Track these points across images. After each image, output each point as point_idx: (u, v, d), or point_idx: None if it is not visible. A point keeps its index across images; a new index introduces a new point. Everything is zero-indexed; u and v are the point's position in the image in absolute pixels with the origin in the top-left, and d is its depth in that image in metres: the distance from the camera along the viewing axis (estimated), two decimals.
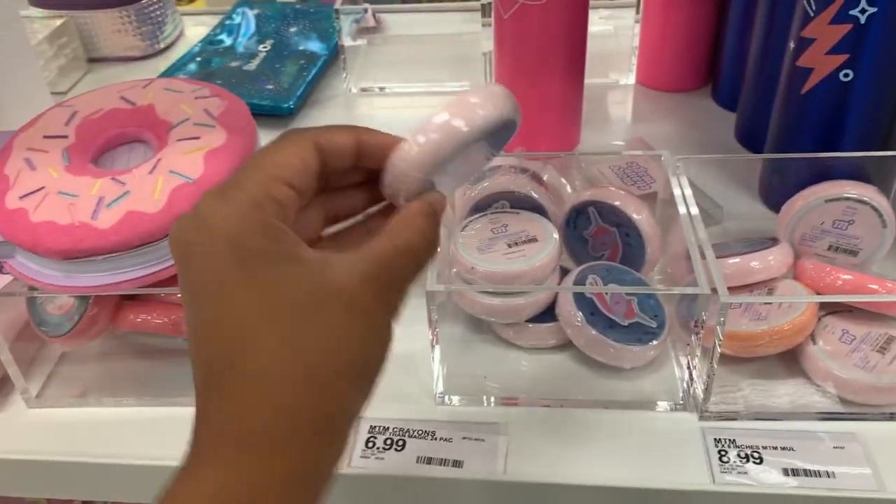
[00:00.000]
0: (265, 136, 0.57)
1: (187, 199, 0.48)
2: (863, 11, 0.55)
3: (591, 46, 0.73)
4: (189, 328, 0.30)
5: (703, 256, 0.50)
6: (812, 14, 0.57)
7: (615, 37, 0.91)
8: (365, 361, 0.31)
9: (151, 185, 0.48)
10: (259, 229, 0.30)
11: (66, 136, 0.53)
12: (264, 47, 0.95)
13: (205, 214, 0.30)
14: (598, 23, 0.90)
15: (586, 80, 0.75)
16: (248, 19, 1.02)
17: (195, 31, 1.09)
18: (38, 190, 0.49)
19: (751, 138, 0.74)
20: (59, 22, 0.95)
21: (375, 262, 0.32)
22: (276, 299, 0.29)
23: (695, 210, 0.53)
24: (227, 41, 0.98)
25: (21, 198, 0.49)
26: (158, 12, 1.01)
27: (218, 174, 0.49)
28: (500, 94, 0.36)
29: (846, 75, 0.58)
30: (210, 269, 0.30)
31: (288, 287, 0.30)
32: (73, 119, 0.54)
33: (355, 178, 0.37)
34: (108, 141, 0.54)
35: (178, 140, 0.51)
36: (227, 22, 1.02)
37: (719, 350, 0.49)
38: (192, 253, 0.30)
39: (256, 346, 0.29)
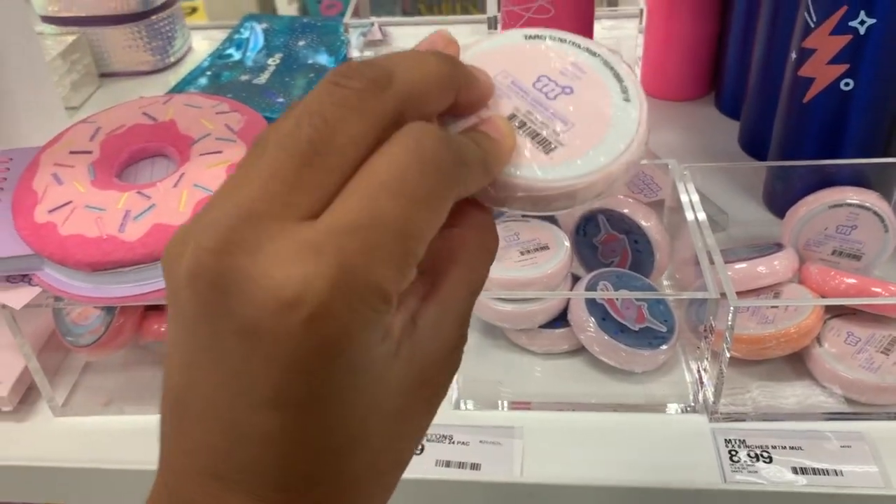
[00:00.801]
0: None
1: None
2: (862, 23, 0.56)
3: None
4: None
5: (711, 262, 0.51)
6: (813, 25, 0.59)
7: (618, 48, 0.92)
8: None
9: (176, 198, 0.50)
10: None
11: (90, 152, 0.54)
12: (273, 61, 0.97)
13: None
14: (602, 34, 0.92)
15: None
16: (256, 33, 1.04)
17: (201, 45, 1.10)
18: (66, 204, 0.50)
19: (754, 146, 0.76)
20: (71, 38, 0.96)
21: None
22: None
23: (703, 216, 0.55)
24: (237, 55, 1.00)
25: (49, 212, 0.50)
26: (168, 27, 1.03)
27: None
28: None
29: (846, 84, 0.59)
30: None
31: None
32: (97, 135, 0.55)
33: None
34: (132, 156, 0.55)
35: (201, 154, 0.53)
36: (236, 36, 1.04)
37: (728, 353, 0.50)
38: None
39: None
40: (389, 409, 0.24)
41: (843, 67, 0.59)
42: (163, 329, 0.54)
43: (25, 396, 0.57)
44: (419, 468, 0.50)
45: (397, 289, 0.23)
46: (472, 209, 0.27)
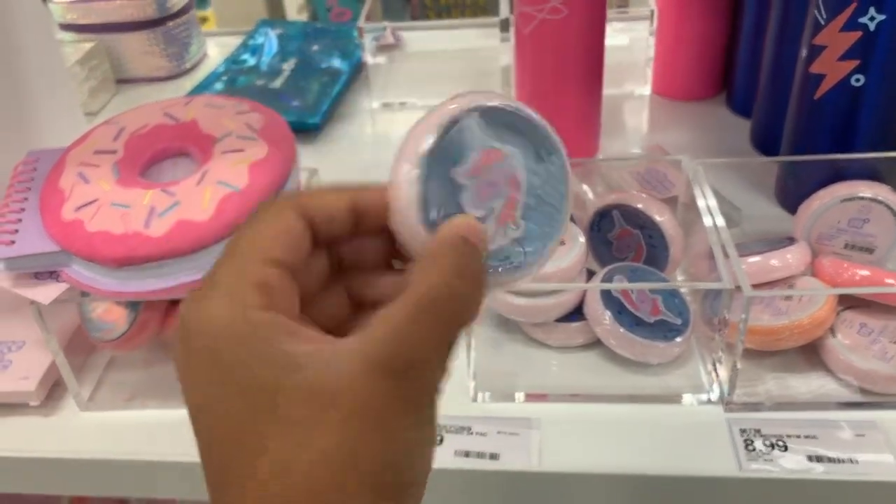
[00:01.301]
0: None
1: (235, 208, 0.50)
2: (872, 19, 0.57)
3: (607, 59, 0.75)
4: (193, 428, 0.27)
5: (725, 255, 0.52)
6: (823, 22, 0.59)
7: (630, 49, 0.93)
8: (393, 471, 0.25)
9: (200, 196, 0.51)
10: (237, 335, 0.26)
11: (115, 151, 0.56)
12: (288, 65, 0.98)
13: (184, 320, 0.27)
14: (614, 35, 0.93)
15: (604, 92, 0.77)
16: (270, 39, 1.05)
17: (215, 51, 1.12)
18: (93, 202, 0.52)
19: (766, 144, 0.77)
20: (89, 45, 0.98)
21: (382, 345, 0.25)
22: (267, 416, 0.25)
23: (716, 207, 0.56)
24: (251, 60, 1.01)
25: (76, 209, 0.51)
26: (185, 34, 1.04)
27: (262, 183, 0.52)
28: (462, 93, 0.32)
29: (857, 80, 0.60)
30: (195, 386, 0.26)
31: (282, 401, 0.25)
32: (121, 135, 0.57)
33: (378, 249, 0.32)
34: (155, 155, 0.56)
35: (223, 153, 0.54)
36: (250, 42, 1.05)
37: (743, 345, 0.51)
38: (178, 363, 0.27)
39: (256, 466, 0.25)
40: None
41: (854, 63, 0.59)
42: None
43: (52, 391, 0.58)
44: (439, 458, 0.50)
45: None
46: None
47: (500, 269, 0.31)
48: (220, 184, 0.52)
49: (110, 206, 0.51)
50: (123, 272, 0.51)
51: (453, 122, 0.30)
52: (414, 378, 0.25)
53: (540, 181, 0.31)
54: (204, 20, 1.47)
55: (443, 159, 0.29)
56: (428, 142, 0.29)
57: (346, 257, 0.32)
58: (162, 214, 0.50)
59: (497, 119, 0.30)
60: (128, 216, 0.51)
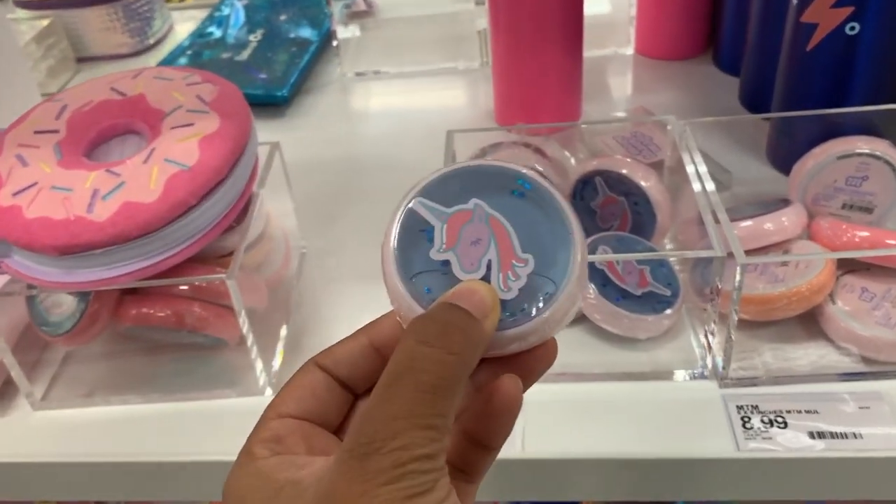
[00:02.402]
0: (261, 125, 0.56)
1: (184, 187, 0.47)
2: None
3: (588, 18, 0.71)
4: None
5: (716, 220, 0.48)
6: None
7: (612, 7, 0.89)
8: None
9: (147, 175, 0.47)
10: (252, 486, 0.28)
11: (57, 131, 0.52)
12: (255, 37, 0.94)
13: (224, 489, 0.29)
14: None
15: (584, 53, 0.73)
16: (237, 10, 1.01)
17: (184, 26, 1.08)
18: (31, 186, 0.48)
19: (756, 102, 0.73)
20: (45, 22, 0.93)
21: (351, 433, 0.26)
22: None
23: (705, 171, 0.52)
24: (217, 33, 0.96)
25: (14, 195, 0.48)
26: (146, 8, 1.00)
27: (213, 160, 0.48)
28: None
29: (852, 28, 0.56)
30: None
31: None
32: (64, 113, 0.53)
33: None
34: (100, 133, 0.52)
35: (172, 128, 0.50)
36: (216, 14, 1.00)
37: (737, 315, 0.48)
38: None
39: None
40: None
41: (849, 10, 0.56)
42: (140, 313, 0.51)
43: (3, 391, 0.55)
44: None
45: None
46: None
47: (526, 316, 0.29)
48: (168, 161, 0.48)
49: (50, 189, 0.47)
50: (68, 261, 0.47)
51: (406, 213, 0.30)
52: (380, 454, 0.25)
53: (525, 211, 0.30)
54: None
55: (416, 250, 0.30)
56: (393, 240, 0.30)
57: None
58: (105, 197, 0.47)
59: (445, 187, 0.31)
60: (69, 200, 0.47)
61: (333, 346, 0.32)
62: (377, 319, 0.32)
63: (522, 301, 0.29)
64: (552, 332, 0.30)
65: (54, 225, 0.46)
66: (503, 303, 0.29)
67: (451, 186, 0.31)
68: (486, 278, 0.29)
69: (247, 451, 0.29)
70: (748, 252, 0.51)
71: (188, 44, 0.95)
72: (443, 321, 0.27)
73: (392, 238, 0.30)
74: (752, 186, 0.64)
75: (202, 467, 0.50)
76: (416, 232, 0.30)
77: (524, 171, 0.31)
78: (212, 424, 0.52)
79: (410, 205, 0.30)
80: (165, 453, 0.50)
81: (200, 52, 0.92)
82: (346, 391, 0.32)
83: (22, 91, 0.81)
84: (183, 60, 0.91)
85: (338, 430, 0.31)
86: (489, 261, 0.29)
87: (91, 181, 0.47)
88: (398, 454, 0.24)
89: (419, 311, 0.29)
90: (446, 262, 0.29)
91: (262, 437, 0.30)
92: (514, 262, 0.29)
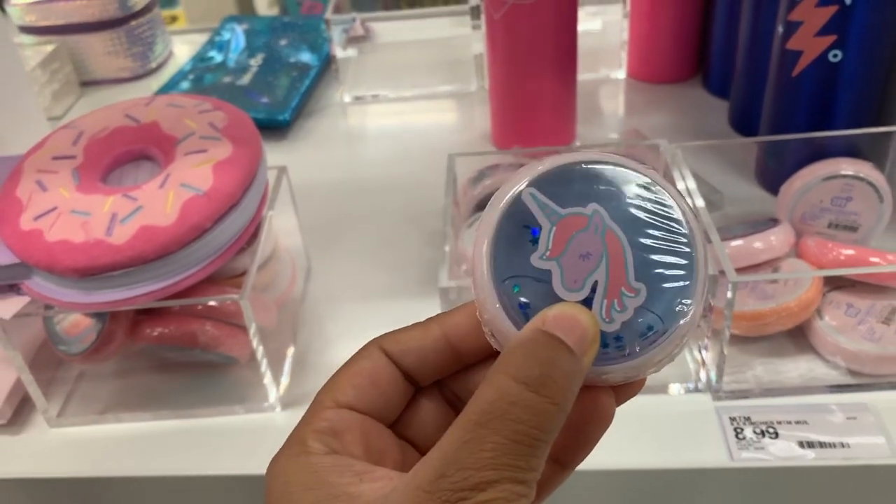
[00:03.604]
0: (265, 148, 0.58)
1: (199, 211, 0.49)
2: None
3: (581, 43, 0.74)
4: None
5: (708, 240, 0.51)
6: None
7: (603, 32, 0.92)
8: None
9: (163, 199, 0.49)
10: (302, 483, 0.26)
11: (74, 157, 0.54)
12: (255, 61, 0.96)
13: (266, 476, 0.27)
14: (587, 19, 0.92)
15: (578, 77, 0.76)
16: (237, 35, 1.03)
17: (182, 49, 1.09)
18: (51, 210, 0.50)
19: (744, 124, 0.76)
20: (50, 48, 0.95)
21: (432, 471, 0.23)
22: None
23: (696, 189, 0.54)
24: (218, 57, 0.99)
25: (35, 219, 0.49)
26: (149, 33, 1.02)
27: (227, 185, 0.50)
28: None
29: (835, 56, 0.59)
30: None
31: None
32: (80, 139, 0.55)
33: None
34: (116, 159, 0.54)
35: (186, 154, 0.52)
36: (216, 38, 1.03)
37: (729, 331, 0.50)
38: None
39: None
40: None
41: (831, 39, 0.58)
42: (156, 333, 0.53)
43: (20, 408, 0.56)
44: None
45: None
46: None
47: (620, 352, 0.25)
48: (184, 186, 0.50)
49: (70, 213, 0.49)
50: (87, 282, 0.49)
51: (512, 202, 0.26)
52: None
53: (645, 229, 0.25)
54: (174, 19, 1.45)
55: (515, 249, 0.25)
56: (491, 232, 0.26)
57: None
58: (124, 221, 0.49)
59: (562, 181, 0.26)
60: (88, 224, 0.49)
61: (399, 331, 0.29)
62: (451, 311, 0.29)
63: (621, 333, 0.25)
64: (646, 374, 0.26)
65: (74, 248, 0.48)
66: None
67: (570, 182, 0.26)
68: (587, 301, 0.25)
69: (300, 441, 0.27)
70: (739, 270, 0.54)
71: (189, 68, 0.97)
72: (545, 361, 0.24)
73: (490, 229, 0.26)
74: (742, 206, 0.66)
75: (213, 482, 0.52)
76: (519, 227, 0.26)
77: (659, 180, 0.26)
78: (222, 440, 0.53)
79: (521, 192, 0.26)
80: (177, 469, 0.52)
81: (202, 77, 0.95)
82: (409, 383, 0.29)
83: (28, 115, 0.83)
84: (185, 84, 0.93)
85: (394, 424, 0.29)
86: (595, 282, 0.25)
87: (109, 205, 0.49)
88: None
89: (510, 327, 0.25)
90: (546, 272, 0.25)
91: (317, 428, 0.27)
92: (623, 289, 0.25)
